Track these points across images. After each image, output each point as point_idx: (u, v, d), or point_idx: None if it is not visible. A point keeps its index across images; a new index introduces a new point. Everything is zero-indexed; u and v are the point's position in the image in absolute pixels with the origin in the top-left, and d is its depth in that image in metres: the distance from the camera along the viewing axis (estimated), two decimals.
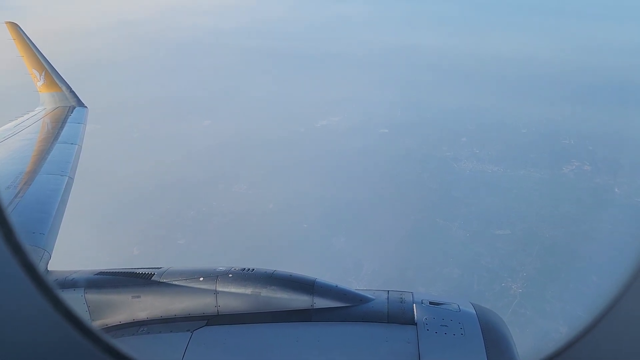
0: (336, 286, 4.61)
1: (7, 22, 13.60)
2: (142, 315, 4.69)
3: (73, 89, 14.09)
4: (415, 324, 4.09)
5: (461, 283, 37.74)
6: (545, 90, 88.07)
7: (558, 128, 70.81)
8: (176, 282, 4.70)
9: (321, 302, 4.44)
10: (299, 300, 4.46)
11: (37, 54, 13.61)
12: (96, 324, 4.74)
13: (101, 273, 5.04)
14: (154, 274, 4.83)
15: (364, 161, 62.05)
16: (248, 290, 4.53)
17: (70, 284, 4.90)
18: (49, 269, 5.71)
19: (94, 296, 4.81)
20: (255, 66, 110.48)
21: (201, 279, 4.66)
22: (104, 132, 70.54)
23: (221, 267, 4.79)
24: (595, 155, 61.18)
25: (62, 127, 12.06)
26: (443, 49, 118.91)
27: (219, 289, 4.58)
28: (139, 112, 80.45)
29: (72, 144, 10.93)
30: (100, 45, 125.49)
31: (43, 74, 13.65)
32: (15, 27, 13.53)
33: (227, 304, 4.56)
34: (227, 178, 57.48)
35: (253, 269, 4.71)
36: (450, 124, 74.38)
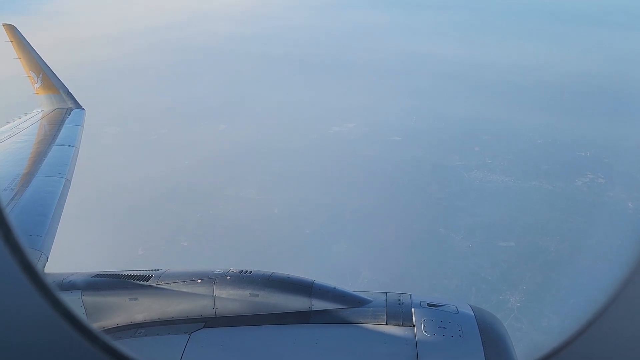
0: (334, 288, 4.60)
1: (4, 24, 13.71)
2: (139, 317, 4.69)
3: (71, 91, 13.94)
4: (414, 326, 4.09)
5: (458, 294, 37.38)
6: (565, 101, 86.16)
7: (575, 139, 69.16)
8: (174, 284, 4.68)
9: (319, 304, 4.44)
10: (297, 302, 4.46)
11: (34, 56, 13.64)
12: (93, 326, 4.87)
13: (98, 275, 5.01)
14: (152, 276, 4.81)
15: (373, 169, 61.99)
16: (246, 293, 4.52)
17: (68, 286, 4.88)
18: (45, 271, 5.69)
19: (91, 298, 4.81)
20: (274, 73, 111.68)
21: (199, 281, 4.65)
22: (124, 134, 72.94)
23: (219, 270, 4.77)
24: (610, 168, 59.54)
25: (59, 129, 11.94)
26: (461, 58, 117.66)
27: (217, 291, 4.56)
28: (160, 115, 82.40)
29: (69, 146, 10.89)
30: (126, 51, 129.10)
31: (40, 76, 13.66)
32: (13, 30, 13.58)
33: (225, 306, 4.55)
34: (237, 182, 58.33)
35: (251, 271, 4.72)
36: (464, 133, 73.60)
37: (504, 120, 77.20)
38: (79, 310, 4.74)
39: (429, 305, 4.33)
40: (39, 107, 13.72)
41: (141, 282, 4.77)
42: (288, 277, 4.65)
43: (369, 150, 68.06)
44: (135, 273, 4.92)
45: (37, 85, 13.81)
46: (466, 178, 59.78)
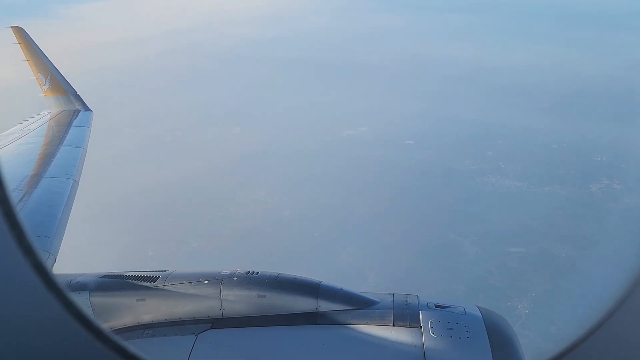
0: (341, 289, 4.61)
1: (12, 27, 13.70)
2: (147, 318, 4.72)
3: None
4: (421, 327, 4.09)
5: (465, 300, 37.02)
6: (582, 105, 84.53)
7: (592, 145, 67.87)
8: (181, 286, 4.71)
9: (326, 305, 4.45)
10: (304, 303, 4.47)
11: (42, 58, 13.72)
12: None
13: (106, 276, 5.04)
14: (159, 277, 4.84)
15: (385, 172, 61.81)
16: (253, 293, 4.54)
17: (75, 286, 4.91)
18: (54, 272, 5.57)
19: (99, 299, 4.84)
20: (287, 76, 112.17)
21: (206, 282, 4.67)
22: (138, 136, 74.18)
23: (226, 270, 4.80)
24: (627, 174, 58.28)
25: (67, 131, 12.05)
26: (474, 61, 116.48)
27: (224, 292, 4.59)
28: (175, 118, 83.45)
29: (77, 147, 10.96)
30: (143, 54, 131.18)
31: (48, 77, 13.77)
32: (21, 32, 13.62)
33: (232, 307, 4.57)
34: (249, 185, 58.66)
35: (258, 272, 4.73)
36: (477, 137, 72.86)
37: (518, 125, 76.15)
38: (86, 311, 4.87)
39: (436, 306, 4.33)
40: (47, 109, 13.90)
41: (148, 283, 4.81)
42: (295, 278, 4.66)
43: (381, 154, 67.86)
44: (142, 274, 4.95)
45: (45, 87, 13.97)
46: (478, 183, 59.21)
